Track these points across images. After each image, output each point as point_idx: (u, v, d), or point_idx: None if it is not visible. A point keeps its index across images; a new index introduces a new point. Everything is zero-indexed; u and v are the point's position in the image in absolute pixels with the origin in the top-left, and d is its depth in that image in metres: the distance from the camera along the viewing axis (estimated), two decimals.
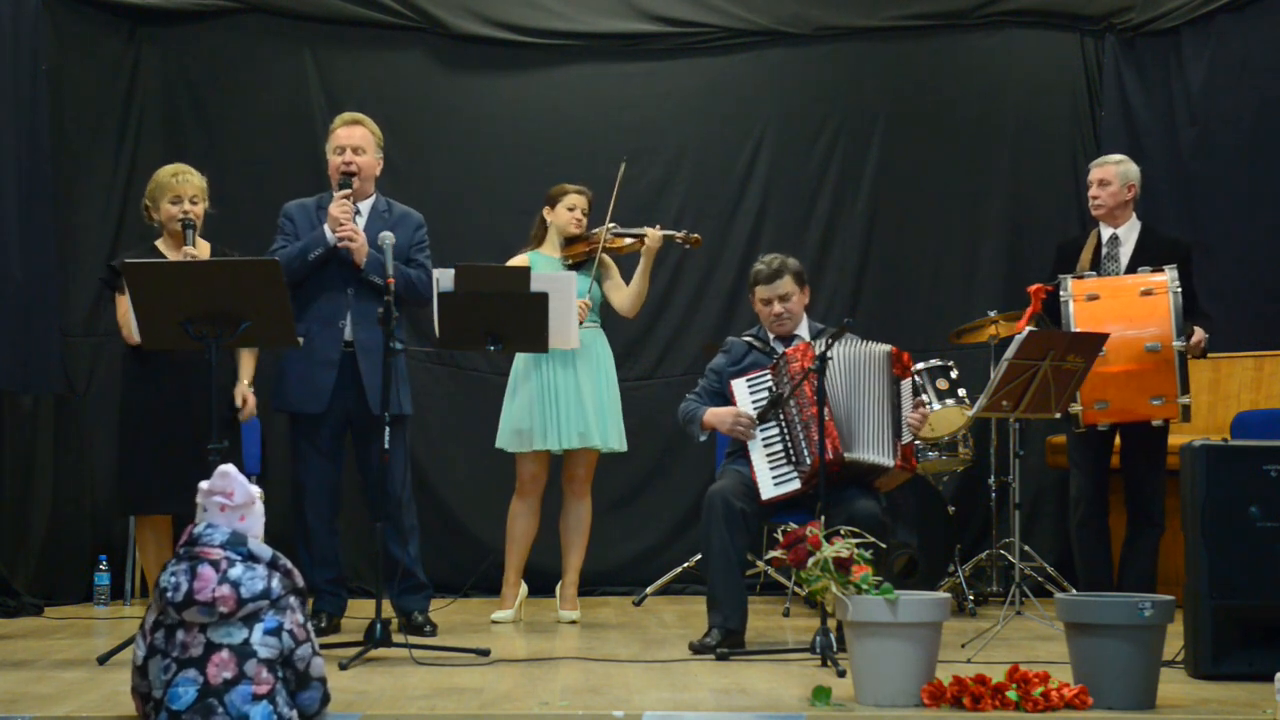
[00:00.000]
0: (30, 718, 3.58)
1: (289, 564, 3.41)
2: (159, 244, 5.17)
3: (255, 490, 3.48)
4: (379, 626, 4.52)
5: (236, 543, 3.36)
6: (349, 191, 5.19)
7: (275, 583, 3.33)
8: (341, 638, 4.93)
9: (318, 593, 5.22)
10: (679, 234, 5.73)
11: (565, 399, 5.55)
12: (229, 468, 3.45)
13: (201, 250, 5.08)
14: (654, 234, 5.62)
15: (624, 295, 5.72)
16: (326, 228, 5.14)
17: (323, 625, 5.15)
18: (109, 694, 3.89)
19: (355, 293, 5.18)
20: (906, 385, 4.96)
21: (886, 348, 4.94)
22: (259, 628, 3.29)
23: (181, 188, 5.09)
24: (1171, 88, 7.06)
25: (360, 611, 5.19)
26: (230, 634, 3.27)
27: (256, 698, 3.24)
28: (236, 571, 3.30)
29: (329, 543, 5.30)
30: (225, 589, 3.27)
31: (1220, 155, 6.90)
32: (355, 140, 5.30)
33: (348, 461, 5.42)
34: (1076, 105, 7.27)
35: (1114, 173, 5.55)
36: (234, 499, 3.41)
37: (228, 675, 3.24)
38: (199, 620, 3.27)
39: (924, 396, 5.82)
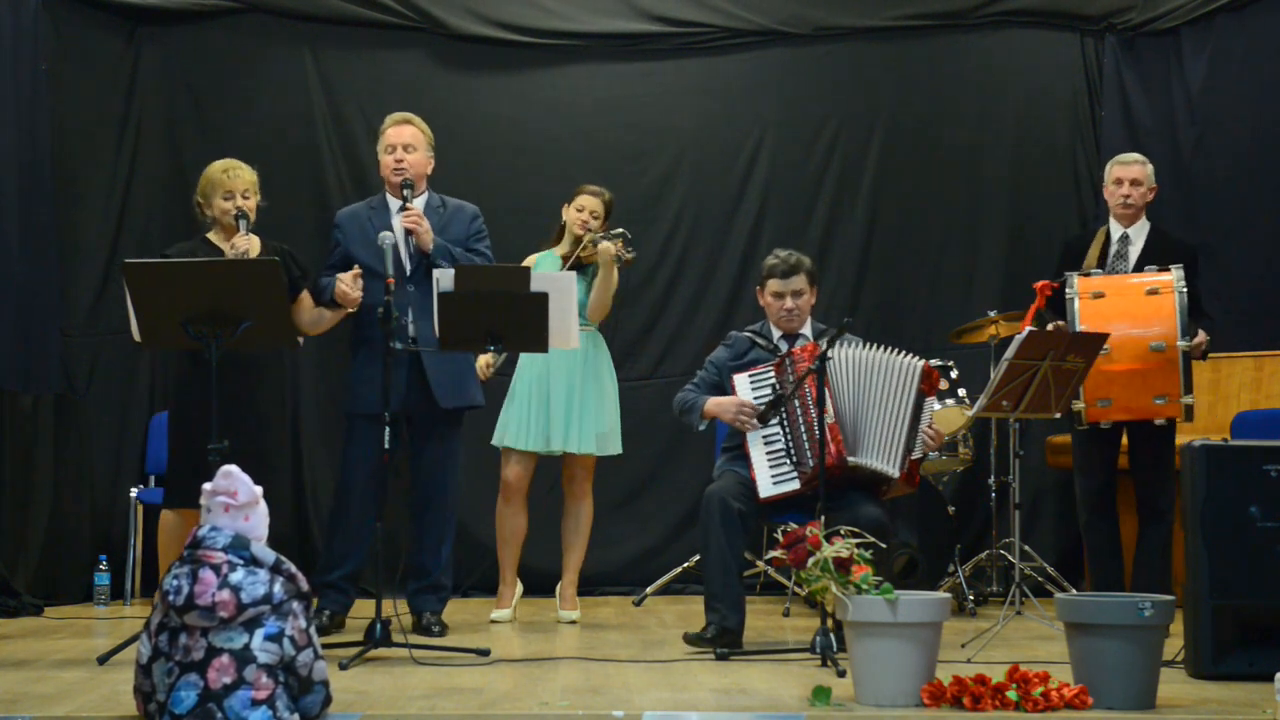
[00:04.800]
0: (30, 718, 3.58)
1: (293, 568, 3.40)
2: (210, 236, 5.17)
3: (258, 489, 3.48)
4: (379, 626, 4.52)
5: (239, 546, 3.35)
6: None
7: (277, 588, 3.33)
8: (342, 637, 4.93)
9: (324, 590, 5.19)
10: (624, 253, 5.48)
11: (542, 402, 5.57)
12: (231, 468, 3.45)
13: (252, 245, 5.05)
14: (604, 247, 5.48)
15: (589, 301, 5.65)
16: (338, 285, 5.03)
17: (324, 623, 5.13)
18: (109, 694, 3.90)
19: (416, 290, 5.11)
20: (930, 404, 4.97)
21: (921, 363, 4.93)
22: (259, 633, 3.28)
23: (233, 183, 5.10)
24: (1171, 88, 7.06)
25: (361, 611, 5.19)
26: (231, 639, 3.27)
27: (256, 703, 3.24)
28: (237, 576, 3.29)
29: (363, 543, 5.21)
30: (225, 594, 3.26)
31: (1220, 155, 6.89)
32: (405, 139, 5.27)
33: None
34: (1076, 105, 7.26)
35: (1144, 173, 5.54)
36: (238, 498, 3.41)
37: (227, 680, 3.24)
38: (200, 624, 3.27)
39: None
